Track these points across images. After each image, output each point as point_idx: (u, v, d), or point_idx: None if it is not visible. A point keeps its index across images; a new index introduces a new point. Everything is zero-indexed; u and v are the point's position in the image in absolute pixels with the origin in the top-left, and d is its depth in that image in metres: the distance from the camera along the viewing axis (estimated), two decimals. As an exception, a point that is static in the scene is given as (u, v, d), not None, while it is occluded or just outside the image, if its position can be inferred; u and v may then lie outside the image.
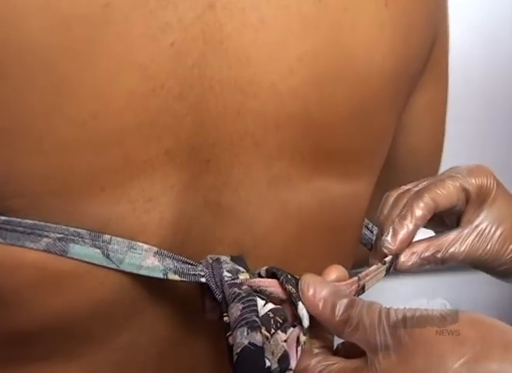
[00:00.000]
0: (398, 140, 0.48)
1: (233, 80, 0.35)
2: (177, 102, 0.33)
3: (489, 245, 0.43)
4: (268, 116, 0.36)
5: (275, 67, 0.35)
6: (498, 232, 0.43)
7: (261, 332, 0.34)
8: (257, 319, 0.34)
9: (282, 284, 0.36)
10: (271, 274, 0.37)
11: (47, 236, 0.33)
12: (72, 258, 0.34)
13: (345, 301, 0.35)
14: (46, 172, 0.32)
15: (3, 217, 0.33)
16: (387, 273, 0.42)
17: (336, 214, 0.41)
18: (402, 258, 0.42)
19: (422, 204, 0.42)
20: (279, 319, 0.35)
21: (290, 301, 0.36)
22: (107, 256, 0.34)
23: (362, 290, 0.39)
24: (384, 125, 0.42)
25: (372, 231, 0.52)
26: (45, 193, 0.32)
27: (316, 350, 0.36)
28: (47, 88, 0.30)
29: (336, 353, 0.37)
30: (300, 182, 0.39)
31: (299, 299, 0.35)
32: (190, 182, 0.36)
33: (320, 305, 0.35)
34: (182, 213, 0.36)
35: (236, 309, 0.34)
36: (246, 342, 0.33)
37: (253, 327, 0.34)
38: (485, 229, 0.43)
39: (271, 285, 0.36)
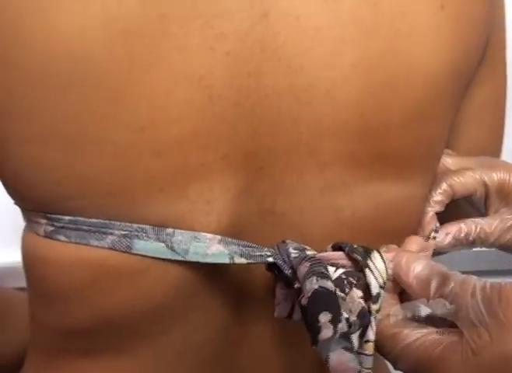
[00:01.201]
0: (456, 137, 0.49)
1: (288, 88, 0.35)
2: (233, 110, 0.34)
3: None
4: (322, 123, 0.36)
5: (330, 75, 0.36)
6: None
7: (331, 280, 0.34)
8: (325, 271, 0.35)
9: (348, 255, 0.36)
10: (337, 249, 0.37)
11: (111, 233, 0.35)
12: (137, 254, 0.35)
13: (438, 278, 0.35)
14: (105, 175, 0.33)
15: (68, 217, 0.35)
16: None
17: (391, 218, 0.41)
18: (438, 238, 0.44)
19: (439, 190, 0.44)
20: (353, 280, 0.36)
21: (359, 269, 0.36)
22: (172, 249, 0.35)
23: None
24: (440, 129, 0.42)
25: None
26: (105, 194, 0.34)
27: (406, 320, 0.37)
28: (106, 97, 0.32)
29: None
30: (355, 187, 0.39)
31: (367, 266, 0.36)
32: (245, 188, 0.37)
33: (414, 283, 0.36)
34: (237, 218, 0.37)
35: (304, 267, 0.35)
36: (316, 286, 0.34)
37: (323, 275, 0.34)
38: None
39: (339, 257, 0.37)
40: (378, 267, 0.36)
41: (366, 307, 0.35)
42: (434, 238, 0.43)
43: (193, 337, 0.40)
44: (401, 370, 0.35)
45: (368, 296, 0.36)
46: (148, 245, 0.35)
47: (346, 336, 0.33)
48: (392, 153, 0.39)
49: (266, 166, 0.37)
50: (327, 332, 0.33)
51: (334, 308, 0.34)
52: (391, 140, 0.38)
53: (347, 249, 0.37)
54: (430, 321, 0.37)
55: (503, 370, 0.31)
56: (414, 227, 0.44)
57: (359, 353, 0.35)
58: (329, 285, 0.34)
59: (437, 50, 0.38)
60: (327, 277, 0.35)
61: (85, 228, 0.35)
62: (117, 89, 0.32)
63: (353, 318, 0.34)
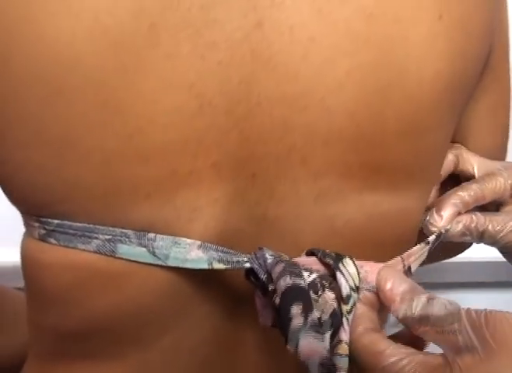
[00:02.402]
0: (462, 143, 0.49)
1: (281, 96, 0.35)
2: (223, 118, 0.35)
3: None
4: (316, 131, 0.36)
5: (324, 83, 0.36)
6: None
7: (303, 280, 0.35)
8: (299, 272, 0.35)
9: (321, 260, 0.37)
10: (311, 255, 0.38)
11: (96, 238, 0.35)
12: (121, 258, 0.36)
13: (422, 298, 0.35)
14: (92, 180, 0.34)
15: (56, 221, 0.36)
16: (429, 252, 0.43)
17: (385, 229, 0.41)
18: (448, 227, 0.44)
19: (471, 192, 0.45)
20: (326, 283, 0.36)
21: (331, 274, 0.36)
22: (153, 254, 0.36)
23: (409, 271, 0.40)
24: (438, 139, 0.41)
25: None
26: (92, 198, 0.34)
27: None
28: (96, 105, 0.32)
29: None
30: (349, 196, 0.39)
31: (338, 269, 0.36)
32: (236, 194, 0.37)
33: (398, 299, 0.35)
34: (227, 224, 0.37)
35: (278, 268, 0.35)
36: (290, 283, 0.34)
37: (296, 274, 0.35)
38: None
39: (312, 262, 0.37)
40: (349, 271, 0.36)
41: (338, 308, 0.35)
42: (428, 242, 0.42)
43: (184, 343, 0.40)
44: None
45: (340, 298, 0.36)
46: (131, 250, 0.35)
47: (317, 327, 0.33)
48: (387, 163, 0.39)
49: (259, 173, 0.37)
50: (297, 321, 0.33)
51: (306, 301, 0.34)
52: (386, 150, 0.38)
53: (319, 254, 0.37)
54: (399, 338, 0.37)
55: None
56: (409, 240, 0.44)
57: (333, 354, 0.35)
58: (302, 283, 0.35)
59: (433, 59, 0.38)
60: (300, 276, 0.35)
61: (71, 231, 0.35)
62: (107, 98, 0.32)
63: (325, 317, 0.34)
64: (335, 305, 0.35)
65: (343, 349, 0.35)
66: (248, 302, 0.39)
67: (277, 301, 0.34)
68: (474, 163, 0.48)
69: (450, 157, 0.48)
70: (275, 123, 0.36)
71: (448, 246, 0.56)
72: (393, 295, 0.36)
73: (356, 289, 0.36)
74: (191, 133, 0.34)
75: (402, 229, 0.41)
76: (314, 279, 0.36)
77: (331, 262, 0.36)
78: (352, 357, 0.35)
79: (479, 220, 0.45)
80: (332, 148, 0.37)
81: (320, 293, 0.35)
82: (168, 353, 0.40)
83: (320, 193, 0.38)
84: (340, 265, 0.36)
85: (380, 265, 0.38)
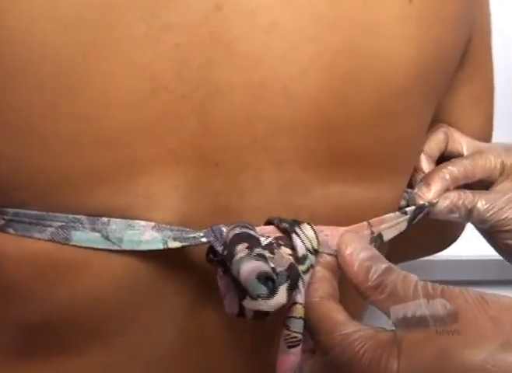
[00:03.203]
0: None
1: (242, 83, 0.34)
2: (180, 103, 0.33)
3: None
4: (279, 120, 0.35)
5: (287, 70, 0.34)
6: None
7: (254, 231, 0.34)
8: (251, 228, 0.34)
9: (278, 226, 0.36)
10: (268, 224, 0.37)
11: (50, 225, 0.34)
12: (75, 245, 0.34)
13: (381, 266, 0.34)
14: (48, 167, 0.33)
15: (12, 210, 0.34)
16: (410, 224, 0.42)
17: (354, 220, 0.39)
18: (436, 201, 0.44)
19: (461, 167, 0.45)
20: (282, 242, 0.35)
21: (287, 236, 0.36)
22: (107, 238, 0.34)
23: (380, 239, 0.39)
24: (410, 128, 0.40)
25: None
26: (47, 185, 0.33)
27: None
28: (52, 88, 0.31)
29: None
30: (314, 187, 0.38)
31: (294, 232, 0.35)
32: (197, 184, 0.35)
33: (356, 265, 0.35)
34: (187, 216, 0.36)
35: (232, 231, 0.34)
36: (238, 231, 0.34)
37: (246, 227, 0.34)
38: None
39: (270, 231, 0.36)
40: (307, 234, 0.35)
41: (295, 264, 0.34)
42: (405, 212, 0.42)
43: (147, 336, 0.39)
44: (331, 358, 0.34)
45: (296, 259, 0.35)
46: (84, 236, 0.34)
47: (263, 257, 0.32)
48: (354, 151, 0.38)
49: (221, 163, 0.36)
50: (241, 254, 0.33)
51: (252, 241, 0.33)
52: (353, 138, 0.37)
53: (276, 221, 0.36)
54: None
55: (438, 363, 0.30)
56: None
57: (288, 316, 0.35)
58: (252, 233, 0.34)
59: (403, 44, 0.36)
60: (250, 228, 0.34)
61: (27, 220, 0.34)
62: (60, 81, 0.31)
63: (281, 269, 0.34)
64: (292, 259, 0.35)
65: (298, 311, 0.34)
66: (214, 294, 0.37)
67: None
68: (463, 143, 0.48)
69: (441, 136, 0.47)
70: (236, 110, 0.35)
71: (429, 240, 0.55)
72: (352, 260, 0.35)
73: (315, 252, 0.36)
74: (146, 118, 0.33)
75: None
76: (271, 241, 0.35)
77: (287, 225, 0.35)
78: (307, 319, 0.35)
79: (468, 197, 0.44)
80: (296, 136, 0.36)
81: (276, 251, 0.35)
82: (131, 347, 0.39)
83: (284, 184, 0.37)
84: (296, 228, 0.35)
85: (342, 229, 0.37)
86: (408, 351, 0.31)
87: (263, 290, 0.31)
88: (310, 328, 0.35)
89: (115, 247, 0.34)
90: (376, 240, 0.39)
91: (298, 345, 0.34)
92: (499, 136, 0.52)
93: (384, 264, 0.35)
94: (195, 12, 0.33)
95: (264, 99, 0.35)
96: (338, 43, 0.35)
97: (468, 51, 0.45)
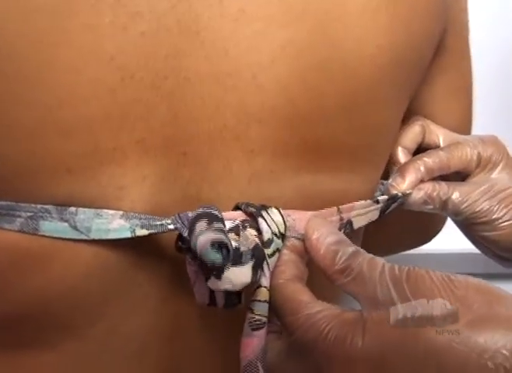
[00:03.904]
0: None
1: (211, 72, 0.34)
2: (148, 93, 0.33)
3: (489, 205, 0.44)
4: (248, 109, 0.35)
5: (256, 58, 0.34)
6: (501, 195, 0.44)
7: (218, 211, 0.34)
8: (217, 213, 0.34)
9: (245, 211, 0.36)
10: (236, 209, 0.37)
11: (19, 216, 0.34)
12: (44, 235, 0.34)
13: (348, 250, 0.34)
14: (13, 156, 0.32)
15: None
16: (383, 214, 0.42)
17: None
18: (410, 192, 0.44)
19: (436, 159, 0.44)
20: (248, 224, 0.35)
21: (254, 220, 0.35)
22: (75, 228, 0.34)
23: (349, 226, 0.39)
24: (383, 118, 0.40)
25: None
26: (14, 175, 0.33)
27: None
28: (12, 77, 0.31)
29: None
30: (285, 177, 0.37)
31: (260, 215, 0.35)
32: (166, 174, 0.35)
33: (322, 249, 0.35)
34: (158, 206, 0.36)
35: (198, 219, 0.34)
36: (200, 211, 0.33)
37: (209, 208, 0.34)
38: (489, 191, 0.44)
39: (237, 215, 0.36)
40: (274, 218, 0.35)
41: (260, 245, 0.34)
42: (378, 201, 0.42)
43: (120, 327, 0.38)
44: (296, 338, 0.33)
45: (262, 242, 0.35)
46: (52, 226, 0.34)
47: (221, 231, 0.32)
48: (325, 142, 0.37)
49: (190, 152, 0.35)
50: (200, 228, 0.32)
51: (213, 217, 0.33)
52: (325, 127, 0.37)
53: (243, 206, 0.36)
54: None
55: (403, 340, 0.30)
56: None
57: (252, 300, 0.35)
58: (215, 212, 0.33)
59: (374, 34, 0.36)
60: (215, 210, 0.34)
61: None
62: (25, 68, 0.31)
63: (245, 248, 0.34)
64: (258, 240, 0.35)
65: (263, 294, 0.34)
66: (187, 283, 0.37)
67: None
68: (440, 135, 0.48)
69: (417, 129, 0.47)
70: (205, 99, 0.34)
71: (409, 232, 0.54)
72: (318, 245, 0.35)
73: (281, 236, 0.35)
74: (113, 107, 0.33)
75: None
76: (237, 224, 0.35)
77: (254, 210, 0.35)
78: (273, 301, 0.35)
79: (442, 188, 0.44)
80: (266, 125, 0.36)
81: (241, 233, 0.35)
82: (103, 339, 0.38)
83: (255, 173, 0.37)
84: (263, 212, 0.35)
85: (310, 213, 0.37)
86: (373, 329, 0.31)
87: (217, 257, 0.31)
88: (276, 309, 0.35)
89: (83, 237, 0.34)
90: (346, 227, 0.39)
91: (262, 328, 0.34)
92: (499, 136, 0.52)
93: (351, 248, 0.34)
94: (162, 0, 0.32)
95: (233, 88, 0.34)
96: (307, 33, 0.35)
97: (443, 42, 0.45)
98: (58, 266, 0.35)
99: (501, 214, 0.44)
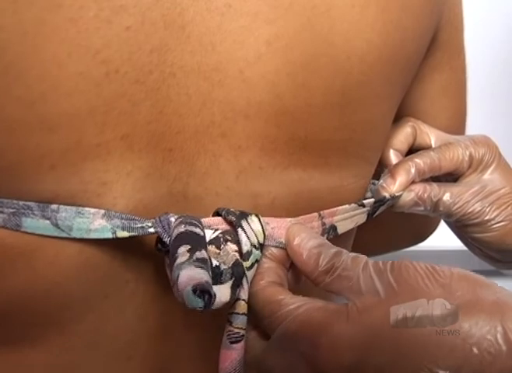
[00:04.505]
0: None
1: (197, 67, 0.34)
2: (133, 87, 0.33)
3: (480, 207, 0.45)
4: (235, 105, 0.35)
5: (242, 53, 0.34)
6: (493, 197, 0.45)
7: (200, 229, 0.34)
8: (197, 223, 0.34)
9: (225, 218, 0.36)
10: (216, 215, 0.37)
11: (2, 212, 0.34)
12: (26, 232, 0.34)
13: (331, 251, 0.35)
14: None
15: None
16: (371, 217, 0.42)
17: (316, 207, 0.39)
18: (400, 194, 0.44)
19: (427, 160, 0.45)
20: (229, 237, 0.35)
21: (234, 230, 0.35)
22: (56, 226, 0.34)
23: (333, 231, 0.39)
24: (374, 114, 0.40)
25: None
26: None
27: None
28: None
29: None
30: (273, 173, 0.38)
31: (240, 226, 0.35)
32: (151, 170, 0.35)
33: (305, 254, 0.36)
34: (141, 202, 0.36)
35: (177, 224, 0.34)
36: (182, 229, 0.33)
37: (192, 224, 0.34)
38: (481, 192, 0.45)
39: (218, 222, 0.36)
40: (253, 228, 0.35)
41: (240, 260, 0.34)
42: (363, 205, 0.42)
43: (107, 324, 0.38)
44: (279, 333, 0.34)
45: (241, 254, 0.35)
46: (34, 223, 0.34)
47: (204, 261, 0.32)
48: (313, 138, 0.38)
49: (176, 148, 0.35)
50: (182, 258, 0.32)
51: (195, 242, 0.33)
52: (313, 123, 0.37)
53: (223, 213, 0.36)
54: None
55: (387, 327, 0.31)
56: None
57: (231, 313, 0.35)
58: (197, 231, 0.33)
59: (363, 30, 0.36)
60: (197, 226, 0.34)
61: None
62: (8, 61, 0.31)
63: (226, 267, 0.33)
64: (238, 256, 0.35)
65: (241, 307, 0.35)
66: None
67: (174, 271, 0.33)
68: (431, 135, 0.48)
69: (408, 130, 0.48)
70: (191, 95, 0.35)
71: (401, 234, 0.54)
72: (300, 250, 0.36)
73: (260, 246, 0.36)
74: (97, 101, 0.33)
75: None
76: (218, 235, 0.35)
77: (234, 219, 0.35)
78: (253, 306, 0.35)
79: (434, 189, 0.45)
80: (253, 121, 0.36)
81: (222, 246, 0.35)
82: (90, 336, 0.38)
83: (242, 169, 0.37)
84: (243, 222, 0.35)
85: (288, 220, 0.37)
86: (357, 317, 0.32)
87: (198, 303, 0.31)
88: (257, 314, 0.35)
89: (64, 235, 0.34)
90: (329, 232, 0.39)
91: (240, 341, 0.35)
92: (498, 136, 0.51)
93: (333, 249, 0.35)
94: None
95: (219, 84, 0.35)
96: (295, 28, 0.35)
97: (436, 39, 0.45)
98: (42, 262, 0.35)
99: (493, 215, 0.45)
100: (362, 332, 0.31)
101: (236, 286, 0.34)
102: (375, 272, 0.33)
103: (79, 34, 0.32)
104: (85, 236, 0.34)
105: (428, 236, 0.57)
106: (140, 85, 0.33)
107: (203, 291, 0.31)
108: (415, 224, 0.56)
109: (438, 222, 0.57)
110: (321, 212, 0.39)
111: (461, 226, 0.46)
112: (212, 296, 0.31)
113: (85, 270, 0.36)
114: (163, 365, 0.41)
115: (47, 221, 0.34)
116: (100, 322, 0.38)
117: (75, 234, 0.34)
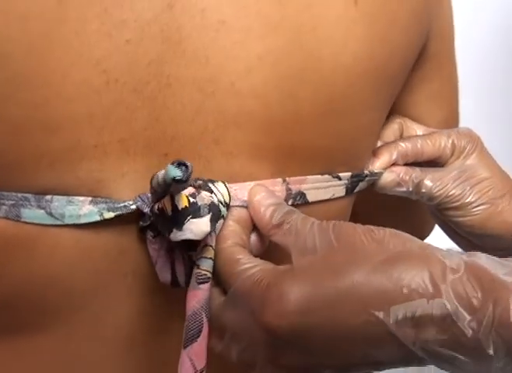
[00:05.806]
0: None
1: (191, 79, 0.36)
2: (131, 96, 0.35)
3: (461, 190, 0.46)
4: (227, 114, 0.37)
5: (234, 67, 0.36)
6: (473, 180, 0.46)
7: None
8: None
9: (193, 186, 0.37)
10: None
11: (3, 204, 0.36)
12: (26, 222, 0.36)
13: (285, 208, 0.38)
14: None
15: None
16: (350, 192, 0.43)
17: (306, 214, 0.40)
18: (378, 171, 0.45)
19: (409, 144, 0.46)
20: (201, 190, 0.37)
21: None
22: (50, 214, 0.36)
23: (301, 197, 0.41)
24: (360, 123, 0.41)
25: None
26: None
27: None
28: (3, 78, 0.33)
29: None
30: (262, 179, 0.39)
31: (207, 186, 0.37)
32: (146, 173, 0.37)
33: (262, 209, 0.38)
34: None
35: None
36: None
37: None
38: (462, 176, 0.46)
39: (189, 191, 0.37)
40: (219, 189, 0.37)
41: (216, 202, 0.37)
42: (339, 178, 0.42)
43: (106, 317, 0.40)
44: (234, 290, 0.36)
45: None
46: (31, 213, 0.36)
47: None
48: (301, 146, 0.39)
49: (171, 153, 0.37)
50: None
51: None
52: (301, 133, 0.39)
53: (192, 181, 0.37)
54: None
55: (327, 280, 0.33)
56: None
57: (199, 257, 0.37)
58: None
59: (350, 44, 0.38)
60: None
61: None
62: (14, 69, 0.33)
63: (203, 203, 0.36)
64: (213, 199, 0.37)
65: (208, 252, 0.37)
66: None
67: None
68: (417, 129, 0.49)
69: (394, 126, 0.48)
70: (185, 105, 0.36)
71: None
72: (259, 205, 0.38)
73: (226, 205, 0.38)
74: (97, 107, 0.35)
75: (326, 217, 0.40)
76: (192, 191, 0.37)
77: (201, 182, 0.37)
78: (214, 266, 0.37)
79: (415, 172, 0.46)
80: (243, 130, 0.38)
81: (197, 194, 0.36)
82: (91, 326, 0.40)
83: (233, 176, 0.39)
84: (209, 184, 0.37)
85: (253, 183, 0.39)
86: (301, 274, 0.34)
87: (177, 173, 0.33)
88: (218, 272, 0.38)
89: (58, 222, 0.36)
90: (296, 197, 0.41)
91: (207, 282, 0.37)
92: (498, 136, 0.53)
93: (288, 207, 0.38)
94: (147, 10, 0.34)
95: (212, 94, 0.36)
96: (284, 43, 0.36)
97: (425, 50, 0.46)
98: (41, 251, 0.37)
99: (474, 198, 0.46)
100: (305, 287, 0.34)
101: (214, 221, 0.36)
102: (318, 230, 0.36)
103: (82, 46, 0.34)
104: (77, 221, 0.36)
105: (423, 239, 0.57)
106: (138, 94, 0.35)
107: (181, 164, 0.33)
108: (412, 225, 0.56)
109: (433, 225, 0.57)
110: (287, 178, 0.40)
111: (443, 209, 0.47)
112: (188, 167, 0.33)
113: (84, 260, 0.38)
114: (163, 356, 0.42)
115: (42, 211, 0.36)
116: (101, 312, 0.40)
117: (68, 220, 0.36)
